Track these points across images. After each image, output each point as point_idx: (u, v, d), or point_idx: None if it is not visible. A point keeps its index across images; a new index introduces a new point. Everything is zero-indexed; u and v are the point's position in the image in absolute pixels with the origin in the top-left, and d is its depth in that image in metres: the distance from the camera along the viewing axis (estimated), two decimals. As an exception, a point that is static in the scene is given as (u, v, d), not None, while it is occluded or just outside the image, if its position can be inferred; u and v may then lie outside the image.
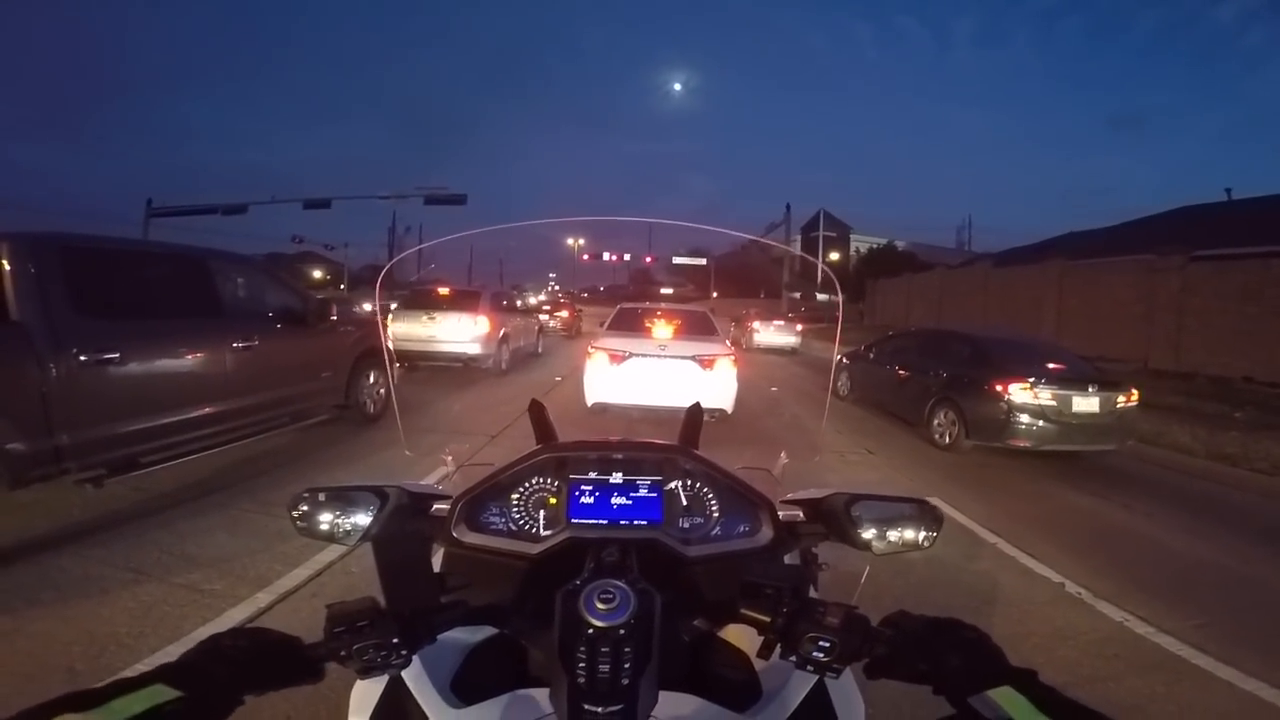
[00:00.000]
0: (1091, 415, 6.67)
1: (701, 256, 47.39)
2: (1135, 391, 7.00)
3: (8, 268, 3.27)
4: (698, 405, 1.38)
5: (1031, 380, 6.61)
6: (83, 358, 3.44)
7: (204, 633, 2.56)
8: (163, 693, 0.56)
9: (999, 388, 6.70)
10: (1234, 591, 3.82)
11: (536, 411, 1.32)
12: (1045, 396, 6.54)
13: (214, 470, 4.56)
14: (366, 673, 0.70)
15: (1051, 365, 7.07)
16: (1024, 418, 6.55)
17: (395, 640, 0.69)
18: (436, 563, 1.10)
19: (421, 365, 10.09)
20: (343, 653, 0.68)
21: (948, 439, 7.24)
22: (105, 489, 3.61)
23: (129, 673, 0.56)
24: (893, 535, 1.01)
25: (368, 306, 12.28)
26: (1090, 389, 6.72)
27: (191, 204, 26.97)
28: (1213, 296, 14.09)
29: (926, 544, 1.02)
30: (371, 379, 6.54)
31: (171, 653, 2.37)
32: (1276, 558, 4.44)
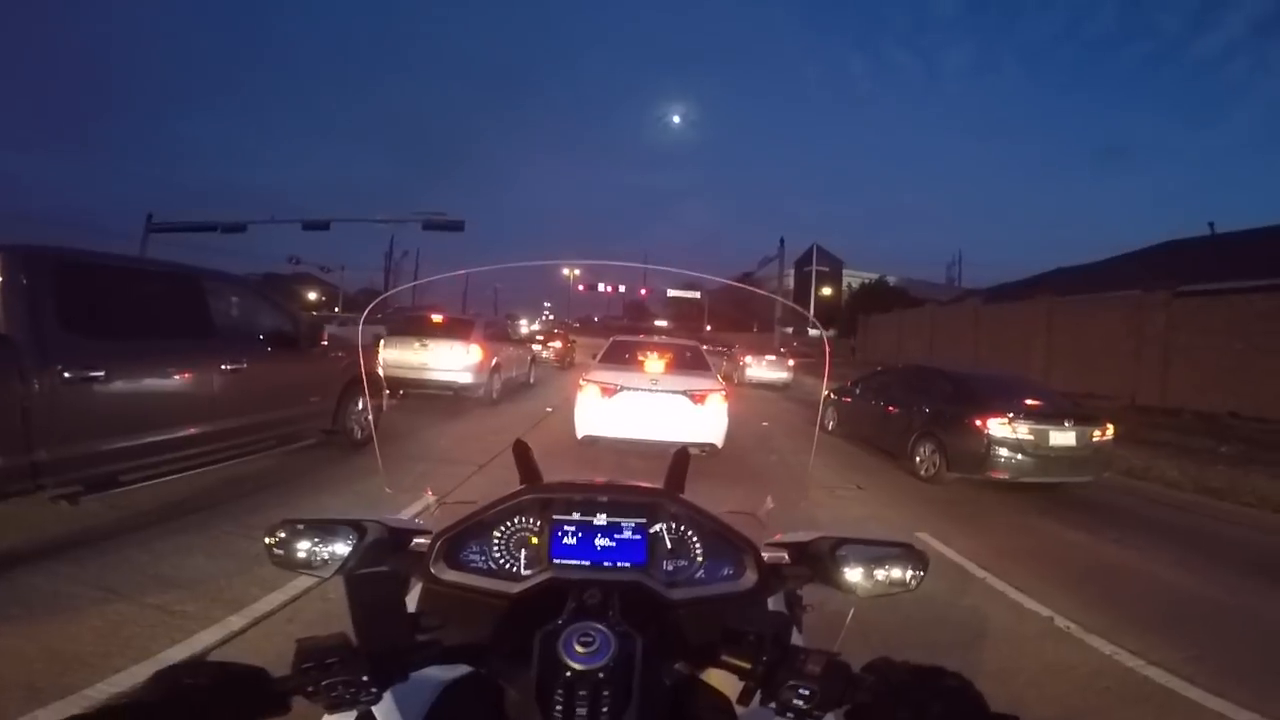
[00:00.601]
0: (1068, 448, 6.83)
1: (696, 290, 47.76)
2: (1111, 426, 7.20)
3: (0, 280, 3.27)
4: (684, 450, 1.38)
5: (1009, 415, 6.78)
6: (67, 374, 3.41)
7: (172, 654, 2.51)
8: None
9: (978, 422, 6.86)
10: (1224, 623, 3.81)
11: (520, 451, 1.31)
12: (1023, 431, 6.70)
13: (195, 491, 4.48)
14: (335, 709, 0.68)
15: (1029, 401, 7.24)
16: (1003, 451, 6.69)
17: (365, 678, 0.68)
18: (414, 599, 1.09)
19: (412, 393, 10.05)
20: (310, 688, 0.67)
21: (930, 471, 7.37)
22: (83, 506, 3.55)
23: (91, 692, 0.54)
24: (879, 576, 1.01)
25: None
26: (1067, 423, 6.89)
27: (191, 220, 26.73)
28: (1198, 332, 14.26)
29: (914, 584, 1.02)
30: (360, 405, 6.51)
31: (138, 674, 2.31)
32: (1265, 590, 4.45)
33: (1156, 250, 23.20)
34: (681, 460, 1.34)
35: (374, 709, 0.78)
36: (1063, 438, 6.79)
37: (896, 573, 1.01)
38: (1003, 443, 6.69)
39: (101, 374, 3.60)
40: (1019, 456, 6.65)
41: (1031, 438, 6.68)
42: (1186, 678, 3.00)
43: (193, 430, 4.28)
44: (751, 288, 28.06)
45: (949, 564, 4.45)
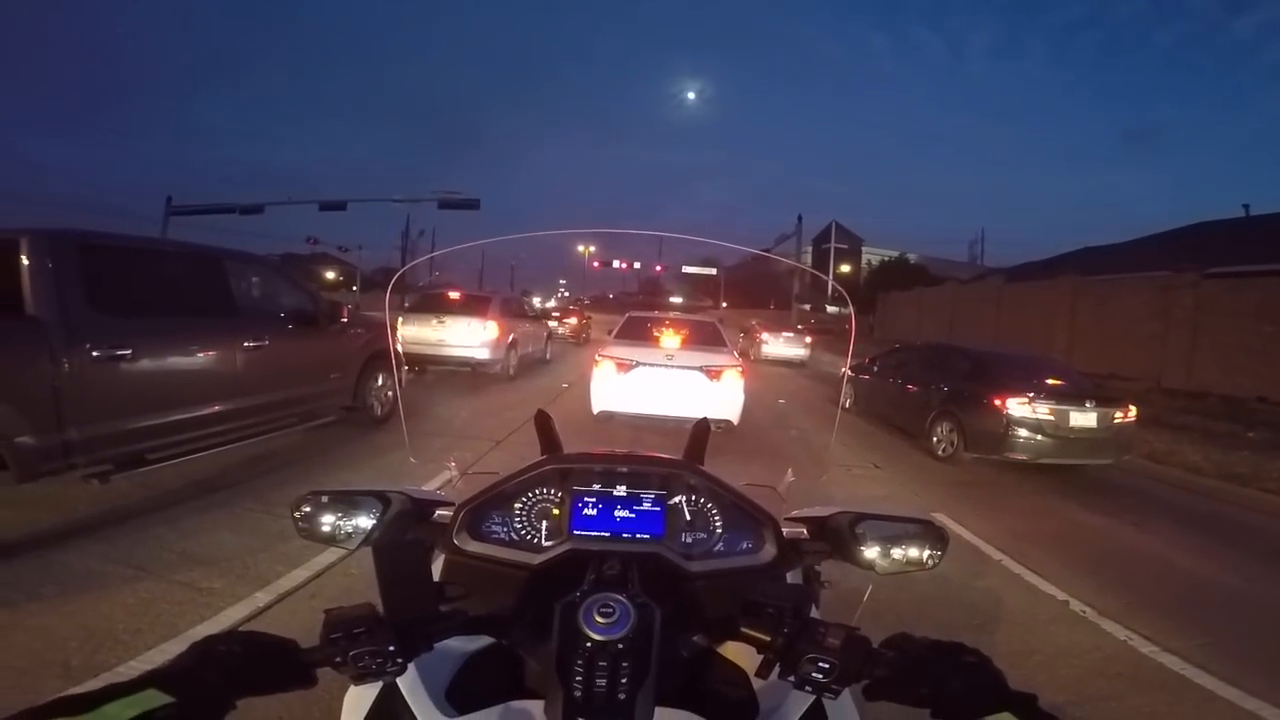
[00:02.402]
0: (1089, 430, 6.73)
1: (712, 266, 47.35)
2: (1133, 407, 7.07)
3: (26, 263, 3.33)
4: (704, 421, 1.38)
5: (1029, 395, 6.68)
6: (95, 353, 3.47)
7: (201, 631, 2.56)
8: (155, 698, 0.56)
9: (997, 402, 6.77)
10: (1240, 611, 3.78)
11: (542, 422, 1.32)
12: (1043, 411, 6.61)
13: (220, 468, 4.58)
14: (361, 679, 0.70)
15: (1049, 381, 7.13)
16: (1021, 431, 6.62)
17: (392, 648, 0.69)
18: (437, 570, 1.10)
19: (430, 369, 10.13)
20: (338, 659, 0.68)
21: (947, 451, 7.30)
22: (111, 484, 3.63)
23: (123, 670, 0.56)
24: (897, 554, 1.01)
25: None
26: (1088, 404, 6.79)
27: (210, 202, 27.06)
28: (1226, 315, 13.90)
29: (931, 563, 1.02)
30: (380, 381, 6.58)
31: (168, 650, 2.38)
32: (1284, 579, 4.38)
33: (1185, 231, 22.59)
34: (702, 431, 1.34)
35: (398, 680, 0.79)
36: (1083, 419, 6.69)
37: (914, 551, 1.02)
38: (1022, 423, 6.61)
39: (129, 352, 3.67)
40: (1038, 437, 6.58)
41: (1051, 418, 6.59)
42: (1200, 665, 2.99)
43: (217, 408, 4.36)
44: (780, 257, 27.76)
45: (965, 545, 4.44)
